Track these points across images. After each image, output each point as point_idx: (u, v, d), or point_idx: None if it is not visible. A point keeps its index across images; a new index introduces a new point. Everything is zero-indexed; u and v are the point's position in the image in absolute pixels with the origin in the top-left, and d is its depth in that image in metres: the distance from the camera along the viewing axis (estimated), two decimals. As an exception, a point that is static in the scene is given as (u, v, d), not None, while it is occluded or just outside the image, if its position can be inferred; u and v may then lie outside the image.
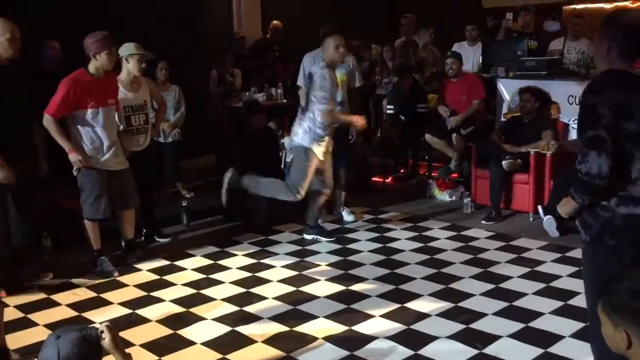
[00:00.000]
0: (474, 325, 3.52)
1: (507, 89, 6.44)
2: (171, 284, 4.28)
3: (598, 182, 2.26)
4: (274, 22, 8.51)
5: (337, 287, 4.09)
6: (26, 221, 4.31)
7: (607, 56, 2.39)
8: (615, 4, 8.89)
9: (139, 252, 4.79)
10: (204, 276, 4.42)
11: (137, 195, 4.65)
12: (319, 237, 5.11)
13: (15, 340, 3.34)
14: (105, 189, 4.35)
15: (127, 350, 3.32)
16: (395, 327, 3.53)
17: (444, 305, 3.80)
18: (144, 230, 5.24)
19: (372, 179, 6.99)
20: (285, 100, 7.58)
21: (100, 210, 4.35)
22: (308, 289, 4.13)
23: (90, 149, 4.29)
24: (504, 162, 5.52)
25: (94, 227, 4.41)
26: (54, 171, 4.88)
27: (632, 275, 1.64)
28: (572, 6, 9.28)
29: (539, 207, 5.30)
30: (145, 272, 4.52)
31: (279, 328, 3.56)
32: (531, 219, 5.52)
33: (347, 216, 5.68)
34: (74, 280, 4.33)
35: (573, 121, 5.97)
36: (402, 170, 7.24)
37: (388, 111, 6.97)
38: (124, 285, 4.29)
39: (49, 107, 4.16)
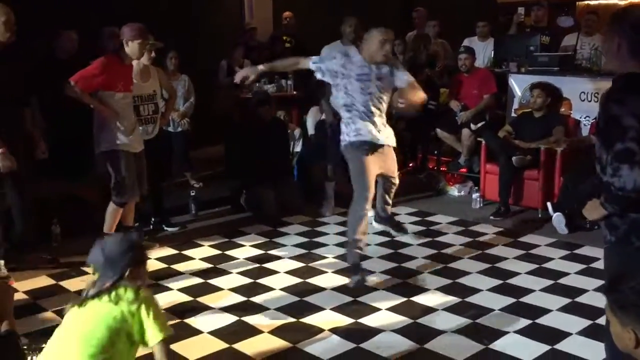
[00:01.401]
0: (480, 321, 3.52)
1: (519, 85, 6.41)
2: (179, 273, 4.30)
3: (633, 196, 2.20)
4: (285, 13, 8.49)
5: (344, 280, 4.09)
6: (29, 209, 4.35)
7: (617, 53, 2.33)
8: (630, 0, 8.80)
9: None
10: (211, 266, 4.44)
11: (147, 182, 4.67)
12: (391, 230, 4.64)
13: (25, 326, 3.37)
14: (135, 173, 4.44)
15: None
16: (401, 320, 3.53)
17: (450, 299, 3.80)
18: (153, 219, 5.26)
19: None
20: (295, 92, 7.57)
21: (132, 193, 4.43)
22: (315, 280, 4.14)
23: (123, 130, 4.36)
24: (513, 158, 5.50)
25: (119, 213, 4.47)
26: (64, 159, 4.93)
27: (639, 275, 1.63)
28: (586, 2, 9.20)
29: (549, 204, 5.28)
30: (153, 260, 4.53)
31: (285, 319, 3.57)
32: (540, 216, 5.50)
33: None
34: (82, 267, 4.36)
35: (585, 118, 5.94)
36: (411, 165, 7.23)
37: (399, 104, 6.93)
38: (131, 273, 4.31)
39: (75, 75, 4.21)
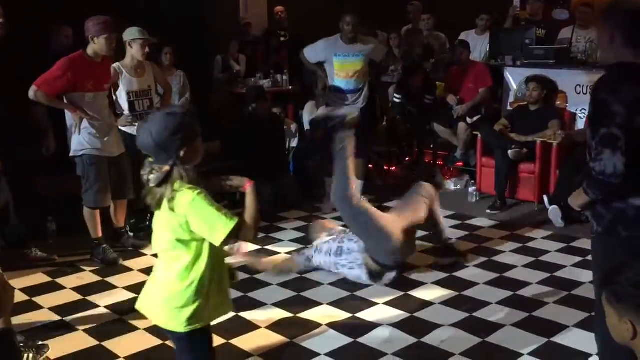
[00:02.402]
0: (477, 314, 3.52)
1: (515, 78, 6.40)
2: (175, 269, 4.28)
3: (613, 181, 2.21)
4: (277, 7, 8.48)
5: (341, 275, 4.09)
6: (25, 205, 4.34)
7: (610, 44, 2.33)
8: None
9: (128, 240, 4.72)
10: (208, 262, 4.43)
11: (132, 186, 4.61)
12: None
13: (21, 323, 3.36)
14: (107, 177, 4.35)
15: (130, 335, 3.35)
16: (398, 314, 3.53)
17: (447, 293, 3.81)
18: (148, 215, 5.24)
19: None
20: (290, 87, 7.55)
21: (102, 198, 4.34)
22: (312, 275, 4.13)
23: (94, 133, 4.27)
24: (509, 152, 5.50)
25: (95, 216, 4.38)
26: (59, 156, 4.90)
27: (636, 266, 1.63)
28: (581, -6, 9.17)
29: (545, 197, 5.29)
30: (149, 256, 4.52)
31: (282, 314, 3.57)
32: (536, 209, 5.51)
33: None
34: (78, 264, 4.35)
35: (580, 111, 5.94)
36: (407, 159, 7.22)
37: (395, 100, 6.93)
38: (128, 269, 4.30)
39: (38, 79, 4.10)
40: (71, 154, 4.30)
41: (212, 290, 2.20)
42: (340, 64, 5.45)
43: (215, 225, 2.09)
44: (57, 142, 4.79)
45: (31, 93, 4.10)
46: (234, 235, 2.13)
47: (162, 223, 2.16)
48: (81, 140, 4.24)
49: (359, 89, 5.51)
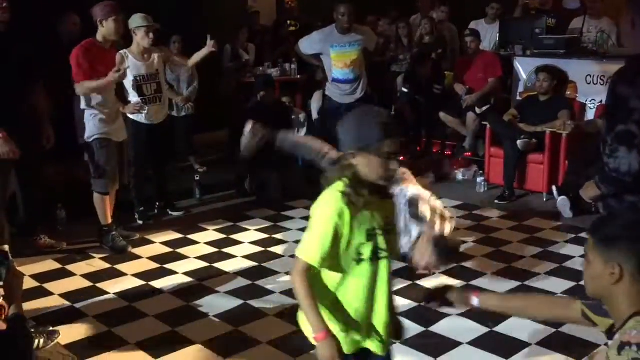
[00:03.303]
0: (485, 304, 3.52)
1: (524, 68, 6.36)
2: (184, 257, 4.31)
3: (627, 179, 2.17)
4: None
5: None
6: (33, 194, 4.36)
7: (632, 31, 2.29)
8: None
9: (117, 230, 4.58)
10: (216, 250, 4.45)
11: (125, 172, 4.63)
12: None
13: (32, 309, 3.40)
14: (116, 162, 4.39)
15: (139, 322, 3.38)
16: (406, 304, 3.53)
17: (455, 283, 3.80)
18: (157, 204, 5.27)
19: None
20: (299, 76, 7.54)
21: (113, 184, 4.37)
22: (320, 264, 4.14)
23: (103, 119, 4.29)
24: (518, 142, 5.47)
25: (106, 202, 4.39)
26: (68, 143, 4.92)
27: (624, 216, 1.62)
28: (593, -17, 9.07)
29: (554, 188, 5.26)
30: (158, 244, 4.56)
31: (290, 302, 3.58)
32: (545, 200, 5.49)
33: None
34: (88, 251, 4.38)
35: (590, 101, 5.90)
36: (417, 148, 7.19)
37: (403, 89, 6.90)
38: (137, 257, 4.33)
39: (74, 75, 4.16)
40: (85, 140, 4.31)
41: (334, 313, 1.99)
42: (338, 55, 5.42)
43: (304, 243, 1.99)
44: (66, 131, 4.81)
45: (78, 90, 4.18)
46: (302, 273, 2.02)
47: None
48: (91, 126, 4.26)
49: (357, 78, 5.47)
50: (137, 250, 4.43)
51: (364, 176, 1.87)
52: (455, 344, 3.09)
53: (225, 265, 4.16)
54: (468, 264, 4.11)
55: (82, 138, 4.33)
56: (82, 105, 4.27)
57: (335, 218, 1.86)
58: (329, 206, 1.89)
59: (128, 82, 4.74)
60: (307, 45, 5.66)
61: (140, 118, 4.81)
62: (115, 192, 4.54)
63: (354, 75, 5.48)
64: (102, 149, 4.29)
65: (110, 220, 4.43)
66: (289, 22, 8.23)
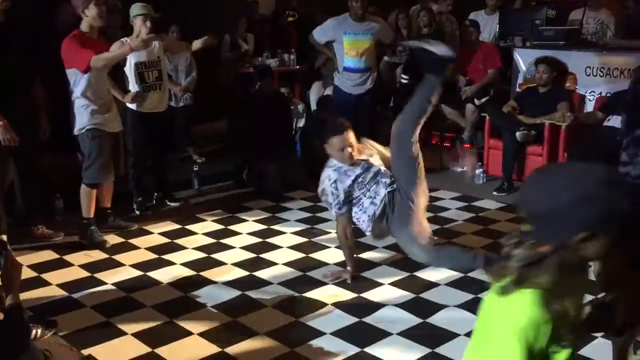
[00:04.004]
0: (483, 295, 3.52)
1: (524, 59, 6.34)
2: (182, 248, 4.31)
3: None
4: None
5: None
6: (31, 184, 4.35)
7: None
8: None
9: (114, 221, 4.64)
10: (214, 241, 4.45)
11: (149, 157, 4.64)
12: None
13: (29, 299, 3.40)
14: (109, 153, 4.36)
15: (137, 312, 3.38)
16: (404, 295, 3.54)
17: (453, 274, 3.81)
18: (155, 194, 5.26)
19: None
20: (297, 66, 7.52)
21: (104, 174, 4.32)
22: (318, 255, 4.15)
23: (96, 109, 4.23)
24: (517, 133, 5.46)
25: (92, 195, 4.33)
26: (66, 133, 4.90)
27: None
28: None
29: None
30: (156, 235, 4.55)
31: (288, 293, 3.59)
32: (543, 191, 5.48)
33: None
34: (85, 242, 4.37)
35: (590, 93, 5.89)
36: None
37: (402, 80, 6.88)
38: (135, 247, 4.33)
39: (82, 62, 4.09)
40: (75, 132, 4.28)
41: None
42: (350, 42, 5.43)
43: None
44: (64, 121, 4.79)
45: (95, 63, 4.08)
46: None
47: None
48: (83, 117, 4.22)
49: (368, 68, 5.47)
50: (135, 241, 4.42)
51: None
52: (452, 335, 3.09)
53: (223, 256, 4.16)
54: (466, 256, 4.10)
55: (75, 130, 4.28)
56: (75, 95, 4.21)
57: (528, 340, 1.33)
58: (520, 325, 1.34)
59: (129, 70, 4.73)
60: (321, 32, 5.65)
61: (141, 107, 4.80)
62: (113, 182, 4.53)
63: (366, 65, 5.47)
64: (94, 139, 4.24)
65: (92, 215, 4.35)
66: (287, 12, 8.19)
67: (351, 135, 3.62)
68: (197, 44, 4.85)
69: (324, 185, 3.66)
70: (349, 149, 3.56)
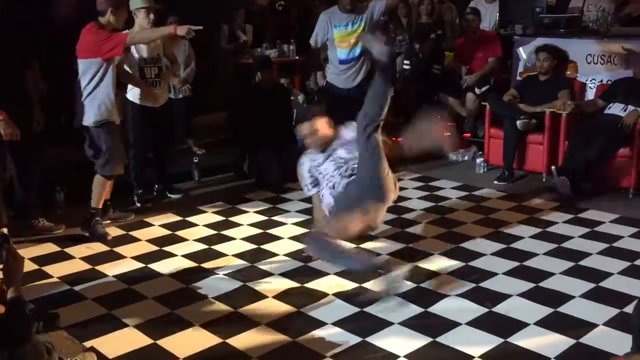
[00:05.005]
0: (484, 284, 3.53)
1: (524, 47, 6.31)
2: (183, 240, 4.31)
3: None
4: None
5: (348, 245, 4.10)
6: (31, 176, 4.35)
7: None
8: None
9: (113, 213, 4.66)
10: (215, 232, 4.45)
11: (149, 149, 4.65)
12: None
13: (31, 292, 3.40)
14: (121, 143, 4.39)
15: (139, 304, 3.39)
16: (405, 284, 3.54)
17: (454, 264, 3.81)
18: (156, 186, 5.26)
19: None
20: (297, 57, 7.49)
21: (119, 166, 4.35)
22: (319, 246, 4.14)
23: (108, 102, 4.24)
24: (518, 122, 5.45)
25: (107, 186, 4.36)
26: (67, 125, 4.90)
27: None
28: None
29: (553, 168, 5.25)
30: (157, 227, 4.55)
31: (289, 284, 3.59)
32: (544, 180, 5.48)
33: None
34: (87, 234, 4.37)
35: (591, 80, 5.87)
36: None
37: (405, 67, 6.84)
38: (136, 239, 4.33)
39: (122, 41, 4.10)
40: (85, 124, 4.22)
41: None
42: (340, 35, 5.35)
43: None
44: (65, 113, 4.78)
45: (131, 40, 4.20)
46: None
47: None
48: (96, 110, 4.19)
49: (362, 54, 5.35)
50: (135, 233, 4.43)
51: None
52: (453, 324, 3.10)
53: (224, 248, 4.16)
54: (467, 245, 4.11)
55: (86, 121, 4.23)
56: (89, 86, 4.18)
57: None
58: None
59: (130, 65, 4.73)
60: (317, 32, 5.48)
61: (144, 101, 4.80)
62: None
63: (359, 52, 5.35)
64: (110, 133, 4.25)
65: (100, 205, 4.37)
66: (278, 2, 8.12)
67: (319, 124, 3.79)
68: (181, 30, 4.65)
69: (298, 168, 3.93)
70: (313, 136, 3.78)
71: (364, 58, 5.39)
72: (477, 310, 3.24)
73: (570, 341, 2.92)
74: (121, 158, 4.38)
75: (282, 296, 3.44)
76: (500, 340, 2.94)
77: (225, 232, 4.44)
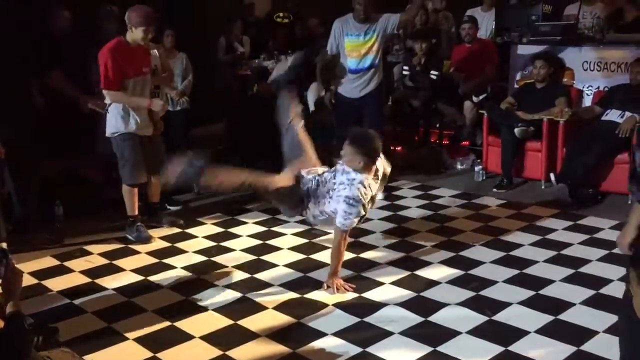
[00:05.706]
0: (483, 293, 3.53)
1: (521, 55, 6.33)
2: (182, 251, 4.31)
3: None
4: None
5: (348, 255, 4.09)
6: (29, 190, 4.36)
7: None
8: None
9: (165, 217, 4.84)
10: (214, 244, 4.45)
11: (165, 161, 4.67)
12: None
13: (30, 306, 3.39)
14: (141, 154, 4.45)
15: (139, 317, 3.38)
16: (405, 294, 3.54)
17: (454, 272, 3.81)
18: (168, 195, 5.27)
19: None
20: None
21: (138, 174, 4.45)
22: (318, 256, 4.14)
23: (132, 115, 4.37)
24: (516, 130, 5.46)
25: (133, 193, 4.49)
26: (68, 140, 4.91)
27: None
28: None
29: (551, 175, 5.26)
30: (156, 239, 4.55)
31: (289, 295, 3.59)
32: (543, 187, 5.49)
33: None
34: (86, 247, 4.37)
35: (587, 87, 5.89)
36: (416, 138, 7.16)
37: (404, 72, 6.84)
38: (136, 252, 4.32)
39: (102, 83, 4.27)
40: (108, 135, 4.45)
41: None
42: (352, 45, 5.35)
43: None
44: (65, 127, 4.80)
45: (108, 99, 4.32)
46: None
47: None
48: (113, 121, 4.38)
49: (371, 66, 5.34)
50: (135, 246, 4.42)
51: None
52: (454, 333, 3.09)
53: (223, 259, 4.16)
54: (466, 253, 4.10)
55: (108, 132, 4.43)
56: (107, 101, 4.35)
57: None
58: None
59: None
60: (331, 39, 5.49)
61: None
62: (159, 181, 4.62)
63: (368, 64, 5.34)
64: (124, 141, 4.38)
65: (136, 212, 4.51)
66: (281, 14, 8.15)
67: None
68: (156, 106, 4.52)
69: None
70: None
71: (375, 70, 5.39)
72: (477, 318, 3.23)
73: (572, 348, 2.92)
74: (139, 166, 4.45)
75: (282, 307, 3.44)
76: (501, 349, 2.94)
77: (225, 244, 4.44)
